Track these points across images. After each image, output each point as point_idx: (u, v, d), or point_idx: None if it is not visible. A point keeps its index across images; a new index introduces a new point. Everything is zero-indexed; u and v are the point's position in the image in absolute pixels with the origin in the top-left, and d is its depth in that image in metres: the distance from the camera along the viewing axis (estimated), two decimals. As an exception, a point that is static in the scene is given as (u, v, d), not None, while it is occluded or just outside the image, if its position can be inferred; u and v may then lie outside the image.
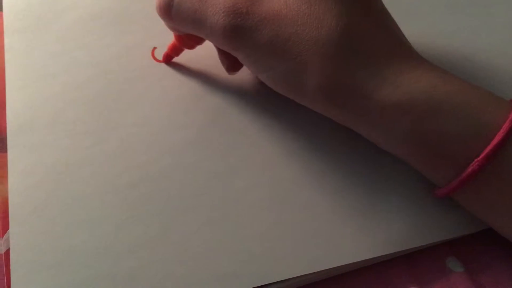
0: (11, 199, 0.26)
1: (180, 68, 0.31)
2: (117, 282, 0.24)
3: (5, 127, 0.28)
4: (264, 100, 0.30)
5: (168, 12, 0.26)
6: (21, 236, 0.25)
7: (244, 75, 0.30)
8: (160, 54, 0.31)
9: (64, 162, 0.27)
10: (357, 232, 0.26)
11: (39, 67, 0.30)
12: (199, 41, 0.29)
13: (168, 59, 0.31)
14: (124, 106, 0.29)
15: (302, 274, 0.25)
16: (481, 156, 0.22)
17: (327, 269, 0.25)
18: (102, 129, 0.28)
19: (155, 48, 0.31)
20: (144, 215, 0.26)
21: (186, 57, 0.31)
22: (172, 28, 0.28)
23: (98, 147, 0.28)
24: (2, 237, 0.25)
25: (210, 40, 0.26)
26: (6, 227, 0.25)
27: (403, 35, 0.25)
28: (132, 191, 0.27)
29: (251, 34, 0.24)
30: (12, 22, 0.32)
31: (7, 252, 0.25)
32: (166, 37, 0.31)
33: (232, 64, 0.28)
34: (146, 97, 0.30)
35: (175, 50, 0.30)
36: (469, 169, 0.22)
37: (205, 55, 0.31)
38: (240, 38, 0.24)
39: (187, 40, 0.29)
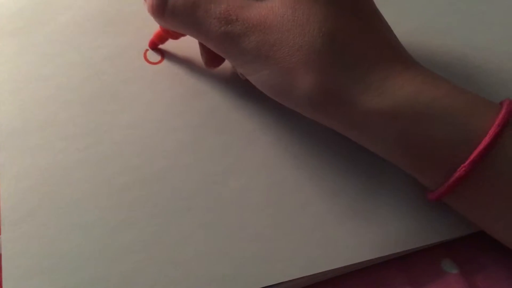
0: (3, 204, 0.26)
1: (174, 69, 0.31)
2: (111, 286, 0.24)
3: (-3, 130, 0.28)
4: (259, 101, 0.29)
5: (161, 13, 0.26)
6: (13, 241, 0.25)
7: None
8: (152, 56, 0.31)
9: (56, 165, 0.27)
10: (353, 234, 0.26)
11: (32, 69, 0.30)
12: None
13: (153, 45, 0.31)
14: (117, 108, 0.29)
15: (297, 277, 0.25)
16: (467, 162, 0.22)
17: (322, 272, 0.25)
18: (95, 131, 0.28)
19: (147, 49, 0.31)
20: (139, 217, 0.26)
21: (179, 57, 0.31)
22: (164, 27, 0.28)
23: (92, 149, 0.28)
24: (-6, 242, 0.25)
25: (200, 41, 0.27)
26: (-2, 232, 0.25)
27: (395, 37, 0.25)
28: (126, 193, 0.26)
29: (239, 40, 0.24)
30: (4, 24, 0.31)
31: (-1, 257, 0.25)
32: (159, 39, 0.31)
33: (211, 59, 0.29)
34: (139, 99, 0.29)
35: (160, 38, 0.31)
36: (456, 175, 0.22)
37: (199, 54, 0.31)
38: (229, 43, 0.25)
39: (172, 32, 0.29)
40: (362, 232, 0.26)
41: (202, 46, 0.29)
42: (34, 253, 0.24)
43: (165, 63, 0.31)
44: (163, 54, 0.31)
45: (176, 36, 0.30)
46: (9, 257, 0.24)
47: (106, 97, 0.29)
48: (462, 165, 0.22)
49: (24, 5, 0.32)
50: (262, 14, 0.24)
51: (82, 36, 0.32)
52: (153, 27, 0.28)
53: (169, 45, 0.31)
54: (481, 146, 0.22)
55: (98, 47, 0.31)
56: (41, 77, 0.30)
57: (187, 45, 0.30)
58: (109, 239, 0.25)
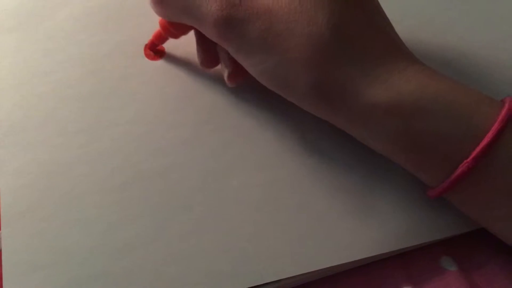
0: (3, 199, 0.26)
1: (173, 65, 0.31)
2: (110, 282, 0.24)
3: (-3, 126, 0.28)
4: (259, 99, 0.29)
5: None
6: (13, 236, 0.25)
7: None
8: (152, 52, 0.31)
9: (56, 161, 0.27)
10: (352, 232, 0.26)
11: (31, 65, 0.30)
12: (185, 31, 0.29)
13: (152, 47, 0.31)
14: (116, 104, 0.29)
15: (296, 274, 0.25)
16: (470, 157, 0.22)
17: (321, 269, 0.25)
18: (94, 127, 0.28)
19: (147, 44, 0.31)
20: (137, 214, 0.26)
21: (179, 53, 0.31)
22: (161, 15, 0.27)
23: (91, 146, 0.28)
24: (-6, 237, 0.25)
25: (201, 30, 0.26)
26: (-3, 228, 0.25)
27: (396, 35, 0.25)
28: (125, 190, 0.26)
29: (243, 26, 0.24)
30: (3, 20, 0.31)
31: (-1, 253, 0.25)
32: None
33: (207, 59, 0.28)
34: (139, 95, 0.29)
35: (159, 38, 0.30)
36: (459, 170, 0.23)
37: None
38: (231, 29, 0.24)
39: (172, 30, 0.29)
40: (362, 230, 0.26)
41: (199, 44, 0.28)
42: (34, 248, 0.25)
43: (165, 59, 0.31)
44: (163, 50, 0.31)
45: (176, 35, 0.29)
46: (9, 253, 0.24)
47: (105, 93, 0.29)
48: (465, 161, 0.22)
49: (23, 0, 0.32)
50: (266, 3, 0.23)
51: (81, 32, 0.31)
52: (153, 22, 0.28)
53: (169, 41, 0.31)
54: (484, 142, 0.22)
55: (97, 43, 0.31)
56: (40, 73, 0.30)
57: (187, 42, 0.30)
58: (108, 235, 0.25)
